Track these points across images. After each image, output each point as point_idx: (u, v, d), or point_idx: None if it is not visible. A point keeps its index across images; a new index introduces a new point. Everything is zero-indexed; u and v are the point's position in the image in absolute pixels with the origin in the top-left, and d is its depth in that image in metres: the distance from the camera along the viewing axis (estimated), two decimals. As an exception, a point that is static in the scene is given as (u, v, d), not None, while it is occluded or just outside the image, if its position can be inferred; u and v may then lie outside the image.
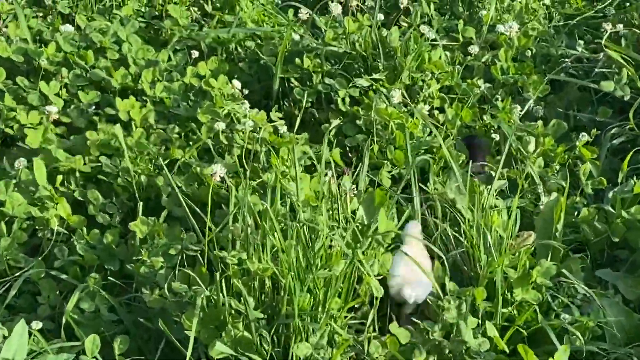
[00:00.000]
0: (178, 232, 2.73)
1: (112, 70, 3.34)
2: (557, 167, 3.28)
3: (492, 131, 3.37)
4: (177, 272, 2.55)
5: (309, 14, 3.68)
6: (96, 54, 3.44)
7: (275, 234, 2.45)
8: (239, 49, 3.75)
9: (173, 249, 2.62)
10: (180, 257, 2.61)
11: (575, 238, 3.02)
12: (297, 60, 3.45)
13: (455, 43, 3.86)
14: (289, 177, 2.83)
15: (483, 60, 3.73)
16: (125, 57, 3.44)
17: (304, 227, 2.56)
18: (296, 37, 3.59)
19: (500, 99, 3.53)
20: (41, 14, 3.76)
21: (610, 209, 3.06)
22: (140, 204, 2.79)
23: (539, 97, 3.59)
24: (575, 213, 3.09)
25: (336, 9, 3.54)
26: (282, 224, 2.61)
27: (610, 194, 3.11)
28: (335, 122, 3.17)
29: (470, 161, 3.12)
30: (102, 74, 3.33)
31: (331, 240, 2.57)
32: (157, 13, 3.90)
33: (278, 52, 3.50)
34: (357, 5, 4.04)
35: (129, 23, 3.54)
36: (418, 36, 3.58)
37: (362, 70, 3.54)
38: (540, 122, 3.39)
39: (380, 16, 3.75)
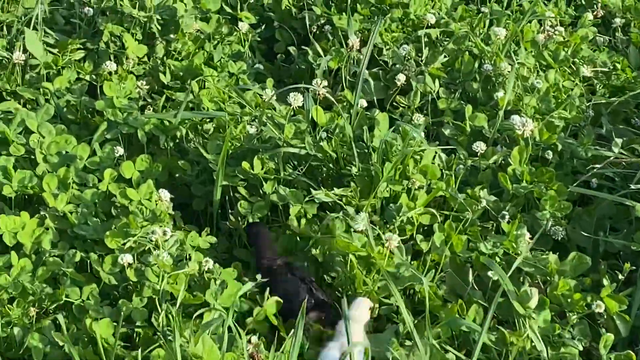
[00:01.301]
0: None
1: (11, 172, 2.65)
2: (575, 319, 2.49)
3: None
4: None
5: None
6: (-1, 148, 2.76)
7: None
8: (192, 135, 3.02)
9: None
10: None
11: None
12: (245, 163, 2.72)
13: (460, 134, 3.09)
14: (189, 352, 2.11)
15: (492, 161, 2.95)
16: (34, 152, 2.75)
17: None
18: (252, 129, 2.86)
19: (508, 217, 2.75)
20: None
21: (640, 386, 2.28)
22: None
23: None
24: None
25: (296, 100, 2.78)
26: None
27: (640, 369, 2.32)
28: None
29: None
30: (-2, 177, 2.66)
31: None
32: (99, 84, 3.21)
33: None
34: (346, 81, 3.30)
35: (43, 109, 2.84)
36: (407, 131, 2.82)
37: (333, 175, 2.80)
38: (553, 258, 2.59)
39: (363, 102, 3.00)
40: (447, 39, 3.65)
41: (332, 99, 2.89)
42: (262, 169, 2.71)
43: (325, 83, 2.84)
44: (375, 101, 3.32)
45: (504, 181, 2.82)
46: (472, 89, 3.32)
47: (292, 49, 3.56)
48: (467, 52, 3.42)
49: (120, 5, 3.35)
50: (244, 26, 3.43)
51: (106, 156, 2.81)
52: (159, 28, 3.38)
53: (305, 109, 2.83)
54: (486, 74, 3.31)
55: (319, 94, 2.86)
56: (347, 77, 3.37)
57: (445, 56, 3.39)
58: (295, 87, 2.83)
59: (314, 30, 3.67)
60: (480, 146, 2.93)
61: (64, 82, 3.12)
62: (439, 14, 3.82)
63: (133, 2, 3.39)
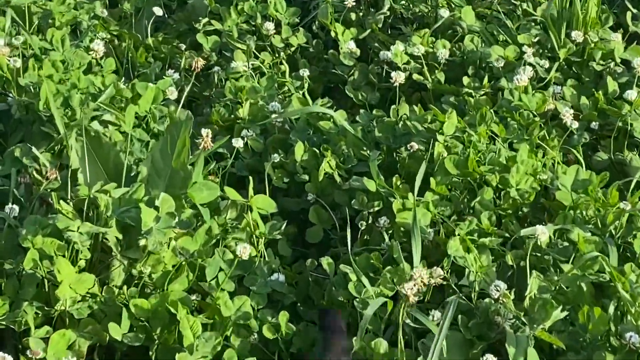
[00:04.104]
0: None
1: None
2: None
3: None
4: None
5: None
6: None
7: None
8: None
9: None
10: None
11: None
12: None
13: None
14: None
15: None
16: None
17: None
18: None
19: None
20: None
21: None
22: None
23: None
24: None
25: None
26: None
27: None
28: None
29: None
30: None
31: None
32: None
33: None
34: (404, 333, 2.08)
35: None
36: None
37: None
38: None
39: None
40: (565, 243, 2.41)
41: None
42: None
43: None
44: (450, 367, 2.11)
45: None
46: (603, 363, 2.07)
47: (326, 261, 2.33)
48: (593, 296, 2.18)
49: (58, 209, 2.16)
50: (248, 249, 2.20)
51: None
52: (118, 238, 2.19)
53: None
54: (629, 346, 2.05)
55: None
56: (406, 320, 2.17)
57: (563, 308, 2.14)
58: None
59: (364, 226, 2.46)
60: None
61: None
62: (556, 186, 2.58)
63: (79, 199, 2.20)
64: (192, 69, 2.60)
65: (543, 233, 2.24)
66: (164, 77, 3.03)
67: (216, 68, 3.15)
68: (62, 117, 2.63)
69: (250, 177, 2.44)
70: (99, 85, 2.84)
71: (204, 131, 2.31)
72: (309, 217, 2.58)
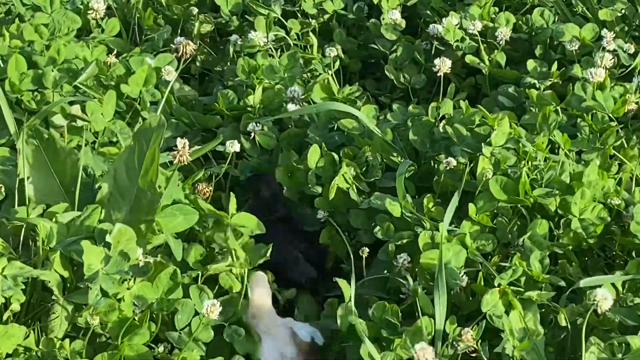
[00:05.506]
0: None
1: None
2: None
3: None
4: None
5: None
6: None
7: None
8: None
9: None
10: None
11: None
12: None
13: None
14: None
15: None
16: None
17: None
18: None
19: None
20: None
21: None
22: None
23: None
24: None
25: None
26: None
27: None
28: None
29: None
30: None
31: None
32: None
33: None
34: None
35: None
36: None
37: None
38: None
39: None
40: (637, 300, 1.88)
41: None
42: None
43: None
44: None
45: None
46: None
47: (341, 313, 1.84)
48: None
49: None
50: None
51: None
52: (64, 277, 1.74)
53: None
54: None
55: None
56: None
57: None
58: None
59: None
60: None
61: None
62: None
63: (15, 225, 1.75)
64: (180, 54, 2.10)
65: (604, 299, 1.71)
66: (171, 45, 2.56)
67: (234, 37, 2.65)
68: (29, 102, 2.18)
69: (232, 193, 1.94)
70: (85, 58, 2.37)
71: (179, 142, 1.82)
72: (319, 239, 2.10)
